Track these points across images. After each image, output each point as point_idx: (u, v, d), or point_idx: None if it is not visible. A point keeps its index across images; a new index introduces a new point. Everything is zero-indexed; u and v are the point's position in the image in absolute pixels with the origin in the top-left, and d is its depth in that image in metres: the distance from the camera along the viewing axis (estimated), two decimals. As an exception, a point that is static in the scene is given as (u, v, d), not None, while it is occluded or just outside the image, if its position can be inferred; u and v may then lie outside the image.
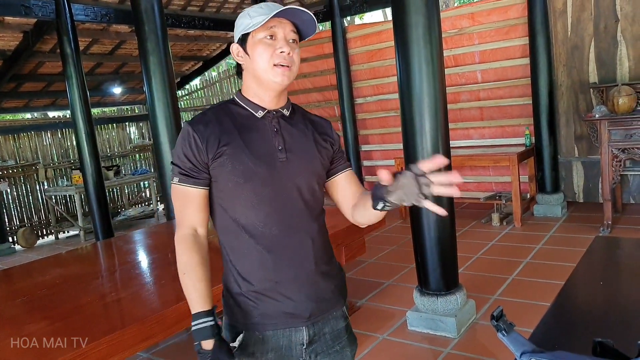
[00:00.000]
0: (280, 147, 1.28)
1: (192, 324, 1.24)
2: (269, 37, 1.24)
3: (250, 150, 1.25)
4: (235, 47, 1.31)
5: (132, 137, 9.16)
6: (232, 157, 1.24)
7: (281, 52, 1.24)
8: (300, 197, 1.29)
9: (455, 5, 13.55)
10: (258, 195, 1.25)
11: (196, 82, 9.74)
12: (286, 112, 1.33)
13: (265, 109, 1.30)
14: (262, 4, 1.27)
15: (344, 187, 1.38)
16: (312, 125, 1.37)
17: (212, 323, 1.23)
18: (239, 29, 1.29)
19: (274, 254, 1.26)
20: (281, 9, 1.22)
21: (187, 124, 1.28)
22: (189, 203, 1.27)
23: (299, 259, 1.28)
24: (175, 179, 1.27)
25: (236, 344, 1.27)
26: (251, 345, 1.29)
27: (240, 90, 1.35)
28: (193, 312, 1.24)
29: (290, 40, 1.27)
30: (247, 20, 1.26)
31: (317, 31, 1.31)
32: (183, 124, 1.28)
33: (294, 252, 1.27)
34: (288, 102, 1.36)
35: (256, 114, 1.30)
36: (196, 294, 1.25)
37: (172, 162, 1.29)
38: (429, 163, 1.03)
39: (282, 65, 1.24)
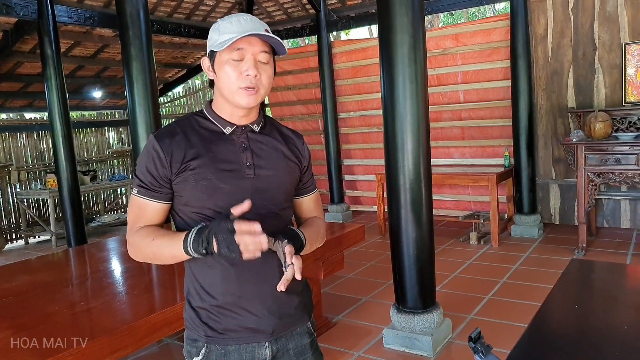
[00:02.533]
0: (248, 164, 1.26)
1: (187, 243, 1.16)
2: (235, 59, 1.21)
3: (215, 167, 1.23)
4: (206, 62, 1.28)
5: (111, 142, 9.02)
6: (196, 172, 1.22)
7: (247, 75, 1.21)
8: (266, 212, 1.26)
9: (440, 25, 13.79)
10: (221, 211, 1.22)
11: (179, 89, 9.67)
12: (256, 128, 1.31)
13: (235, 125, 1.28)
14: (233, 19, 1.22)
15: (303, 210, 1.44)
16: (284, 140, 1.36)
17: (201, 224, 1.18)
18: (209, 43, 1.26)
19: (238, 268, 1.24)
20: (245, 34, 1.18)
21: (152, 136, 1.25)
22: (144, 215, 1.26)
23: (263, 273, 1.26)
24: (135, 190, 1.26)
25: (199, 358, 1.27)
26: (213, 359, 1.27)
27: (211, 101, 1.33)
28: (181, 242, 1.17)
29: (261, 61, 1.23)
30: (216, 35, 1.23)
31: (286, 53, 1.28)
32: (149, 136, 1.24)
33: (258, 266, 1.24)
34: (259, 116, 1.33)
35: (224, 130, 1.28)
36: (173, 234, 1.22)
37: (134, 173, 1.28)
38: (289, 256, 1.15)
39: (249, 88, 1.22)
